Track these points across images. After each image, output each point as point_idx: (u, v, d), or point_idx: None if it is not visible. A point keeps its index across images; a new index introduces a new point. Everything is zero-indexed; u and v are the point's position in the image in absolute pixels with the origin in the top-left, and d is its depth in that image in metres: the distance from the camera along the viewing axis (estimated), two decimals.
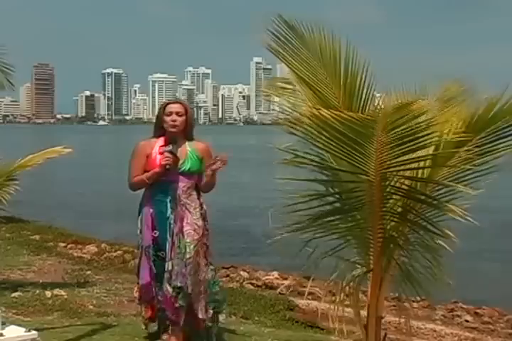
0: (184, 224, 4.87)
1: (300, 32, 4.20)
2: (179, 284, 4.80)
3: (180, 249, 4.84)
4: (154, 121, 5.12)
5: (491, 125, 3.94)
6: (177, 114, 4.95)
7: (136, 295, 5.21)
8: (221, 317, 5.13)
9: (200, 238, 4.91)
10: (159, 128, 5.01)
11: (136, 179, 4.95)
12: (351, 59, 4.21)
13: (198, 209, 4.96)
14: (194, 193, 4.98)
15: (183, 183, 4.92)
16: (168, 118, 4.94)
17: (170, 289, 4.83)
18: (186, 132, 5.02)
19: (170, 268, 4.83)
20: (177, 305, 4.85)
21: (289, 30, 4.18)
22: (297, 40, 4.21)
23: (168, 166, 4.78)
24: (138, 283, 5.14)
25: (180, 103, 5.07)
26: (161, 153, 4.84)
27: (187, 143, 5.02)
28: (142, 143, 5.04)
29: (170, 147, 4.82)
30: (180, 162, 4.90)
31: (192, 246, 4.86)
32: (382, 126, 3.56)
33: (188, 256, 4.85)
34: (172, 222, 4.86)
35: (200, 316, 4.95)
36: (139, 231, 5.02)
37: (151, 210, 4.92)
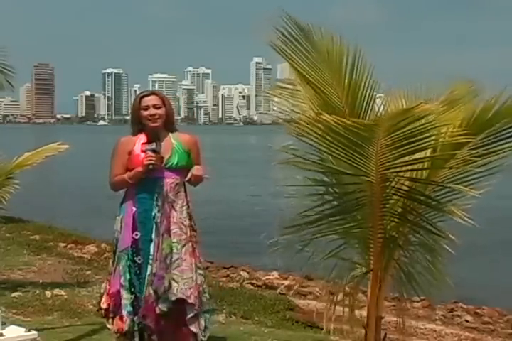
0: (171, 223, 4.50)
1: (310, 33, 4.18)
2: (154, 288, 4.42)
3: (164, 250, 4.46)
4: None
5: (490, 126, 3.95)
6: (154, 106, 4.53)
7: (104, 306, 4.61)
8: (208, 332, 4.62)
9: (187, 238, 4.54)
10: (137, 124, 4.60)
11: (117, 178, 4.57)
12: (357, 61, 4.20)
13: (184, 208, 4.58)
14: (182, 190, 4.60)
15: (170, 179, 4.53)
16: (145, 113, 4.52)
17: (152, 293, 4.43)
18: (167, 124, 4.61)
19: (154, 270, 4.44)
20: (158, 311, 4.42)
21: (298, 31, 4.16)
22: (306, 41, 4.19)
23: (151, 166, 4.44)
24: (106, 293, 4.63)
25: (156, 94, 4.63)
26: (144, 152, 4.47)
27: (170, 135, 4.61)
28: (122, 139, 4.64)
29: (153, 145, 4.44)
30: (167, 156, 4.51)
31: (179, 246, 4.49)
32: (385, 128, 3.56)
33: (175, 257, 4.47)
34: (158, 220, 4.48)
35: (194, 329, 4.50)
36: (117, 234, 4.57)
37: (134, 209, 4.51)
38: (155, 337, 4.49)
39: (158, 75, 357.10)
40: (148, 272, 4.45)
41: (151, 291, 4.44)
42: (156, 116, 4.54)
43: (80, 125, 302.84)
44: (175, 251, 4.49)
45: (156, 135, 4.52)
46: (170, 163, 4.54)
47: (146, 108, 4.55)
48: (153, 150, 4.44)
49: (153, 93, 4.64)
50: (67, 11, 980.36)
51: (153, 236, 4.48)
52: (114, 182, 4.61)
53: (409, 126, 3.60)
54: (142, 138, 4.55)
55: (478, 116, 3.94)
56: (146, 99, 4.58)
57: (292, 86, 4.36)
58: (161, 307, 4.43)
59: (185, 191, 4.65)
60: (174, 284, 4.45)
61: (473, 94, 4.27)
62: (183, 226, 4.55)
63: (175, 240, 4.50)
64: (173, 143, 4.59)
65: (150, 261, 4.46)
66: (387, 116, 3.60)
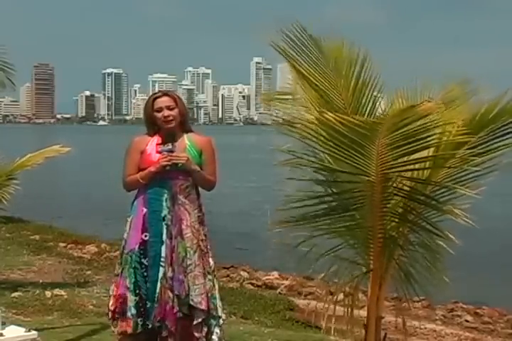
0: (183, 226, 4.44)
1: (317, 39, 4.21)
2: (177, 293, 4.40)
3: (180, 254, 4.42)
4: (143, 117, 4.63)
5: (490, 125, 3.95)
6: (168, 108, 4.45)
7: (111, 308, 4.52)
8: (215, 337, 4.56)
9: (198, 242, 4.48)
10: (152, 126, 4.53)
11: (129, 179, 4.51)
12: (365, 66, 4.23)
13: (196, 211, 4.51)
14: (193, 193, 4.53)
15: (180, 181, 4.46)
16: (159, 115, 4.46)
17: (171, 296, 4.40)
18: (182, 124, 4.54)
19: (170, 274, 4.40)
20: (179, 314, 4.41)
21: (307, 37, 4.18)
22: (313, 45, 4.21)
23: (168, 167, 4.40)
24: (113, 295, 4.54)
25: (168, 95, 4.55)
26: (159, 152, 4.42)
27: (185, 135, 4.55)
28: (136, 139, 4.58)
29: (169, 146, 4.40)
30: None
31: (192, 252, 4.44)
32: (386, 127, 3.57)
33: (188, 262, 4.42)
34: (169, 223, 4.43)
35: (196, 334, 4.47)
36: (125, 235, 4.51)
37: (145, 210, 4.46)
38: (172, 340, 4.44)
39: (158, 75, 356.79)
40: (161, 275, 4.40)
41: (170, 294, 4.40)
42: (170, 118, 4.46)
43: (79, 125, 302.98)
44: (188, 256, 4.44)
45: (172, 136, 4.47)
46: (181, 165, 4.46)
47: (160, 110, 4.47)
48: (170, 151, 4.40)
49: (165, 94, 4.56)
50: (67, 11, 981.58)
51: (164, 237, 4.43)
52: (127, 182, 4.55)
53: (410, 125, 3.60)
54: (156, 139, 4.50)
55: (482, 115, 3.94)
56: (158, 100, 4.51)
57: (290, 95, 4.36)
58: (183, 310, 4.43)
59: (197, 194, 4.58)
60: (187, 289, 4.42)
61: (470, 93, 4.27)
62: (194, 230, 4.49)
63: (188, 245, 4.45)
64: (187, 143, 4.53)
65: (162, 264, 4.41)
66: (391, 114, 3.61)
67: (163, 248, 4.42)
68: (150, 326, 4.43)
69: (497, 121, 3.92)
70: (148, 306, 4.43)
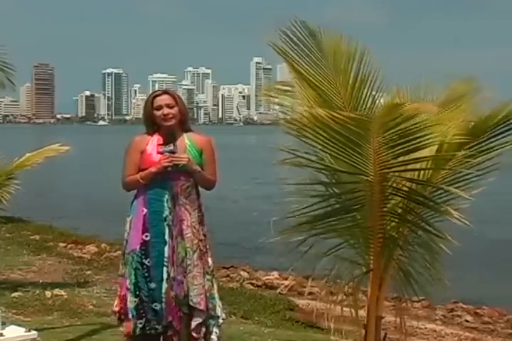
0: (184, 226, 4.44)
1: (317, 35, 4.21)
2: (175, 293, 4.41)
3: (180, 254, 4.43)
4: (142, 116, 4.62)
5: (494, 126, 3.93)
6: (167, 106, 4.44)
7: (116, 309, 4.54)
8: (213, 337, 4.56)
9: (198, 242, 4.49)
10: (152, 124, 4.51)
11: (129, 179, 4.49)
12: (364, 63, 4.23)
13: (196, 211, 4.51)
14: (194, 193, 4.52)
15: (182, 181, 4.45)
16: (159, 113, 4.44)
17: (174, 297, 4.40)
18: (182, 123, 4.52)
19: (173, 274, 4.40)
20: (180, 313, 4.42)
21: (305, 32, 4.18)
22: (313, 44, 4.22)
23: (170, 168, 4.38)
24: (118, 295, 4.57)
25: (168, 93, 4.53)
26: (160, 153, 4.39)
27: (184, 135, 4.53)
28: (137, 138, 4.55)
29: (171, 147, 4.38)
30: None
31: (191, 252, 4.45)
32: (378, 126, 3.56)
33: (188, 262, 4.43)
34: (171, 223, 4.42)
35: (195, 334, 4.47)
36: (126, 235, 4.49)
37: (145, 210, 4.43)
38: (176, 339, 4.45)
39: (158, 75, 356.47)
40: (166, 275, 4.40)
41: (173, 295, 4.40)
42: (170, 116, 4.45)
43: (80, 125, 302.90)
44: (188, 256, 4.44)
45: (173, 136, 4.45)
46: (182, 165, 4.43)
47: (159, 108, 4.46)
48: (172, 152, 4.38)
49: (165, 92, 4.55)
50: (67, 11, 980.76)
51: (166, 238, 4.42)
52: (126, 182, 4.52)
53: (403, 124, 3.59)
54: (156, 138, 4.49)
55: (486, 118, 3.92)
56: (158, 98, 4.49)
57: (290, 87, 4.35)
58: (183, 309, 4.44)
59: (197, 194, 4.57)
60: (187, 289, 4.43)
61: (471, 93, 4.26)
62: (194, 230, 4.49)
63: (188, 245, 4.45)
64: (187, 143, 4.52)
65: (165, 264, 4.40)
66: (379, 113, 3.62)
67: (166, 248, 4.41)
68: (161, 328, 4.40)
69: (501, 123, 3.90)
70: (158, 308, 4.41)
